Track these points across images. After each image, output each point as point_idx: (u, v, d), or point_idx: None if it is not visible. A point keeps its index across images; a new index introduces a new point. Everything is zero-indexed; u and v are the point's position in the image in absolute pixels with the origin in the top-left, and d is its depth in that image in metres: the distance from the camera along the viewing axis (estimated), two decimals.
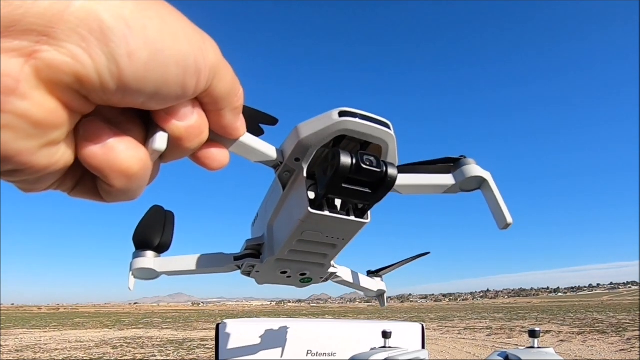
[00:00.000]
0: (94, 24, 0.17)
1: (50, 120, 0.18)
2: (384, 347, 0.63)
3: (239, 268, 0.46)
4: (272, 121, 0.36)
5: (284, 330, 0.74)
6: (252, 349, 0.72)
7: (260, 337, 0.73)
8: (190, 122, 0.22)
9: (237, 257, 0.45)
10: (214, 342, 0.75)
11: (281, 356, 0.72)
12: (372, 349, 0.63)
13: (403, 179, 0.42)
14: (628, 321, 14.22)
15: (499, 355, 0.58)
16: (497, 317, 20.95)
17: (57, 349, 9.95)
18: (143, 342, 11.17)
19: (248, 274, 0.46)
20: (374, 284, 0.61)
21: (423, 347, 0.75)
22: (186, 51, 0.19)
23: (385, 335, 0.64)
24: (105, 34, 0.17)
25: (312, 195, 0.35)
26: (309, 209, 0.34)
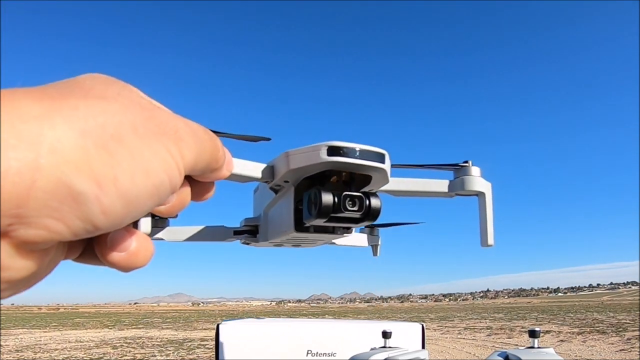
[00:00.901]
0: (63, 193, 0.16)
1: (33, 271, 0.18)
2: (384, 347, 0.64)
3: (239, 240, 0.49)
4: (265, 140, 0.37)
5: (284, 330, 0.75)
6: (252, 349, 0.73)
7: (260, 337, 0.74)
8: (172, 202, 0.22)
9: (237, 232, 0.47)
10: (214, 342, 0.75)
11: (281, 356, 0.73)
12: (372, 349, 0.63)
13: (397, 184, 0.42)
14: (628, 321, 14.23)
15: (498, 355, 0.58)
16: (497, 317, 20.97)
17: (57, 349, 9.96)
18: (143, 342, 11.17)
19: (247, 244, 0.51)
20: (365, 239, 0.61)
21: (423, 347, 0.76)
22: (161, 179, 0.19)
23: (385, 335, 0.64)
24: (77, 200, 0.16)
25: (300, 203, 0.37)
26: (294, 231, 0.37)
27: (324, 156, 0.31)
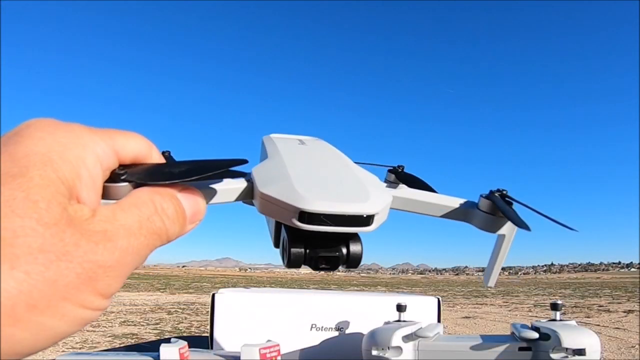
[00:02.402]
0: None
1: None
2: (399, 320, 0.63)
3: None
4: (241, 162, 0.28)
5: (286, 302, 0.70)
6: (250, 322, 0.69)
7: (259, 309, 0.70)
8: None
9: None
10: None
11: (282, 330, 0.69)
12: (385, 323, 0.62)
13: (405, 193, 0.35)
14: None
15: (521, 326, 0.59)
16: (566, 293, 19.53)
17: (112, 312, 10.10)
18: (197, 307, 11.19)
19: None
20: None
21: (439, 321, 0.71)
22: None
23: (400, 308, 0.63)
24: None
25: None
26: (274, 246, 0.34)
27: (295, 221, 0.26)
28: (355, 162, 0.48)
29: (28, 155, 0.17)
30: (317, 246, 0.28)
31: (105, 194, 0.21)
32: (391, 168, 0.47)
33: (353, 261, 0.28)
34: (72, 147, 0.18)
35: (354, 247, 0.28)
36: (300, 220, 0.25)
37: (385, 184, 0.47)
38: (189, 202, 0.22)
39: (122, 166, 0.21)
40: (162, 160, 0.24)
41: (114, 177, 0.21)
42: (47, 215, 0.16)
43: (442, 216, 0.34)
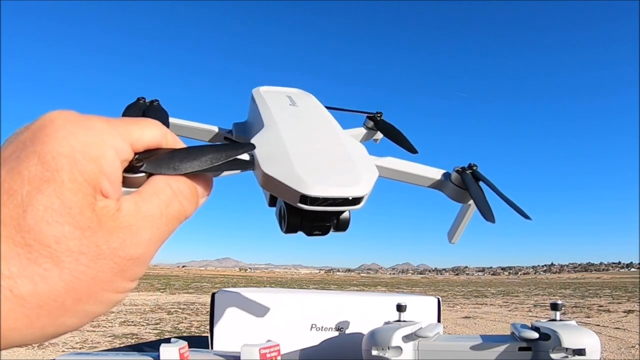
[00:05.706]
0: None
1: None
2: (399, 320, 0.63)
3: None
4: (250, 148, 0.28)
5: (286, 302, 0.70)
6: (249, 322, 0.69)
7: (259, 308, 0.70)
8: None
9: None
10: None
11: (282, 330, 0.69)
12: (385, 323, 0.62)
13: (388, 166, 0.39)
14: None
15: (522, 327, 0.60)
16: (567, 293, 19.53)
17: (112, 311, 10.09)
18: (197, 308, 11.18)
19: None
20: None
21: (439, 321, 0.71)
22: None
23: (400, 308, 0.63)
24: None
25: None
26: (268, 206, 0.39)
27: (296, 203, 0.29)
28: (335, 108, 0.52)
29: (55, 157, 0.18)
30: (312, 216, 0.32)
31: (125, 184, 0.21)
32: (370, 115, 0.51)
33: (341, 227, 0.33)
34: (93, 145, 0.19)
35: (344, 215, 0.32)
36: (301, 202, 0.28)
37: (364, 129, 0.52)
38: (200, 179, 0.24)
39: (138, 155, 0.22)
40: (176, 143, 0.24)
41: (132, 169, 0.21)
42: (81, 219, 0.18)
43: (419, 185, 0.39)
